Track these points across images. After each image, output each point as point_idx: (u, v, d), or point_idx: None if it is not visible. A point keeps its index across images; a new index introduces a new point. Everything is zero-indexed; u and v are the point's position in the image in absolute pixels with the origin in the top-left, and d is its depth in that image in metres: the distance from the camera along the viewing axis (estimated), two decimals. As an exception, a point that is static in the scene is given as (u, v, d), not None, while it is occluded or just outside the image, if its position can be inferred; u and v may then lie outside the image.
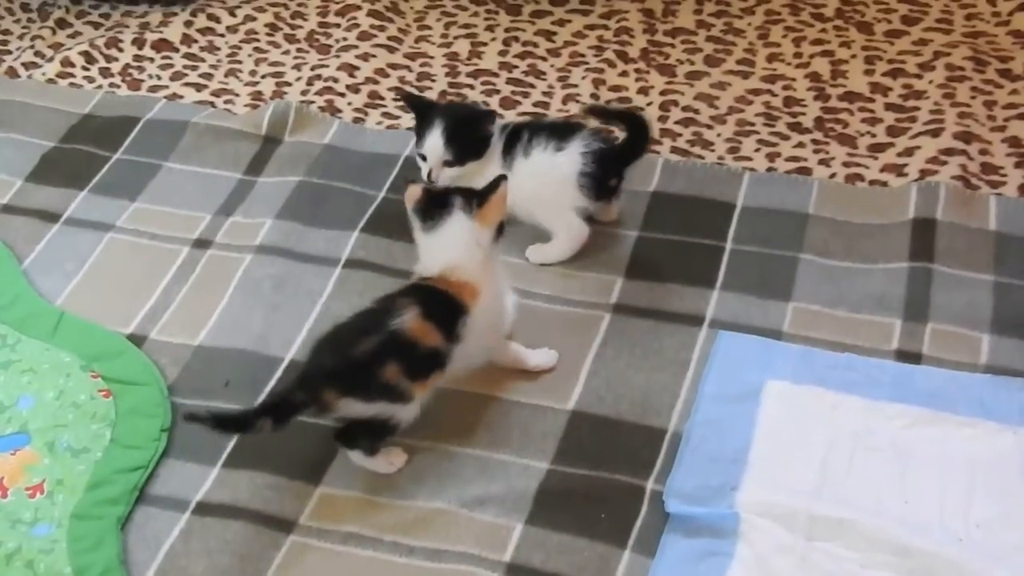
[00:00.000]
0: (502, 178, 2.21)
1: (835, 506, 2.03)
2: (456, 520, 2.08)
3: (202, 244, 2.61)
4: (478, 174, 2.44)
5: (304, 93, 3.01)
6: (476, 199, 2.19)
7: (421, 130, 2.52)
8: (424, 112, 2.54)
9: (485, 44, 3.15)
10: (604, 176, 2.47)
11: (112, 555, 2.04)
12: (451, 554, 2.03)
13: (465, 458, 2.17)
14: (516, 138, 2.50)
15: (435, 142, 2.49)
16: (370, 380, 2.07)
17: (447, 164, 2.49)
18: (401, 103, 2.94)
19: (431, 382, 2.15)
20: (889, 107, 2.85)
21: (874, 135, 2.78)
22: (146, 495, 2.16)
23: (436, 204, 2.20)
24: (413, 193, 2.22)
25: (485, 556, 2.03)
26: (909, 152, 2.70)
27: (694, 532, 2.02)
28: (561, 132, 2.48)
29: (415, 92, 2.71)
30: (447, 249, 2.18)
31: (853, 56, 3.02)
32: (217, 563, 2.04)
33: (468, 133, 2.50)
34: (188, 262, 2.57)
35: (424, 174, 2.50)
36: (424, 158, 2.51)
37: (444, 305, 2.14)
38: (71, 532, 2.08)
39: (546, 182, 2.45)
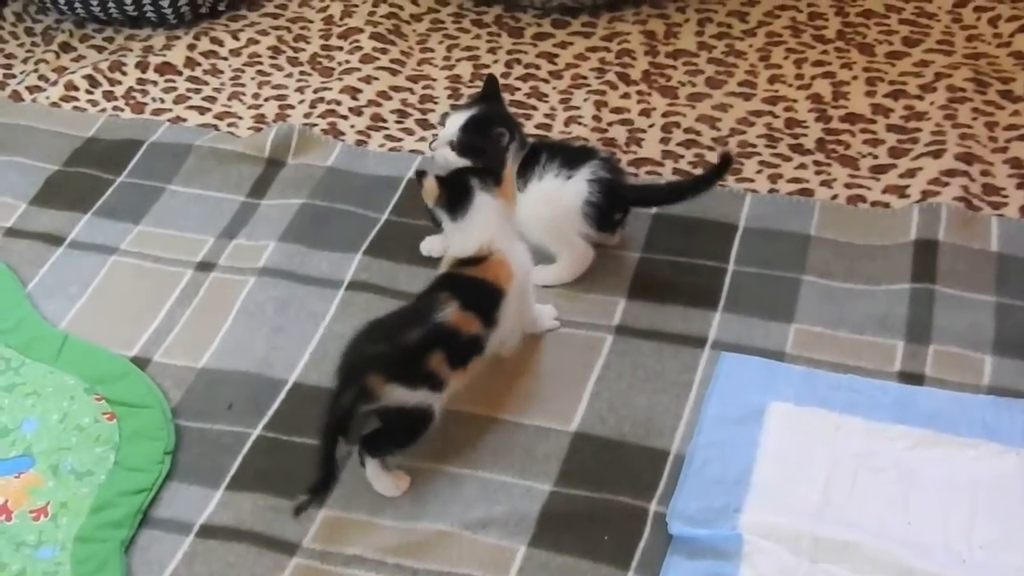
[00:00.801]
0: (503, 144, 2.40)
1: (839, 528, 2.04)
2: (459, 542, 2.08)
3: (205, 267, 2.62)
4: None
5: (307, 116, 3.01)
6: (491, 178, 2.25)
7: (464, 106, 2.60)
8: (482, 96, 2.61)
9: (487, 66, 3.15)
10: (609, 208, 2.48)
11: (116, 578, 2.05)
12: (455, 576, 2.04)
13: (468, 480, 2.17)
14: (535, 159, 2.50)
15: (456, 123, 2.53)
16: (417, 367, 2.11)
17: (450, 146, 2.52)
18: (403, 126, 2.95)
19: (470, 370, 2.19)
20: (891, 128, 2.86)
21: (876, 156, 2.78)
22: (150, 518, 2.16)
23: (457, 192, 2.24)
24: (431, 188, 2.24)
25: (489, 578, 2.03)
26: (911, 173, 2.71)
27: (697, 554, 2.02)
28: (573, 158, 2.49)
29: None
30: (481, 230, 2.23)
31: (854, 78, 3.02)
32: (221, 586, 2.05)
33: (480, 140, 2.52)
34: (191, 285, 2.58)
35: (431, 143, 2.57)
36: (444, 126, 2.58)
37: (481, 293, 2.20)
38: (75, 555, 2.08)
39: (553, 208, 2.46)
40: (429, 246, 2.56)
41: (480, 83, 3.06)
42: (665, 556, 2.03)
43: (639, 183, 2.70)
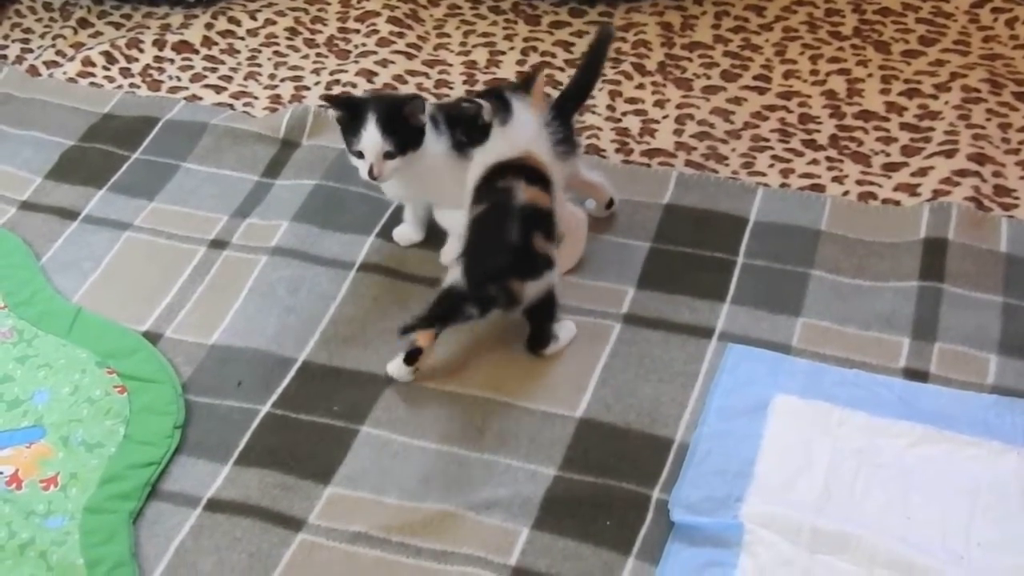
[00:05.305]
0: (539, 69, 2.57)
1: (839, 521, 2.05)
2: (464, 523, 2.10)
3: (218, 245, 2.63)
4: (422, 169, 2.45)
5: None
6: (523, 89, 2.42)
7: (353, 128, 2.40)
8: (354, 109, 2.42)
9: (503, 53, 3.17)
10: (566, 121, 2.47)
11: (124, 549, 2.07)
12: (458, 556, 2.05)
13: (474, 462, 2.19)
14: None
15: (372, 135, 2.38)
16: (535, 258, 2.27)
17: (388, 156, 2.40)
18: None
19: (556, 242, 2.35)
20: (904, 127, 2.87)
21: (888, 154, 2.79)
22: (158, 491, 2.18)
23: (502, 104, 2.35)
24: (488, 108, 2.33)
25: (491, 559, 2.05)
26: (923, 172, 2.72)
27: (698, 542, 2.04)
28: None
29: (335, 94, 2.69)
30: (521, 134, 2.35)
31: (869, 75, 3.03)
32: (226, 560, 2.07)
33: (404, 122, 2.41)
34: (204, 262, 2.60)
35: (364, 173, 2.41)
36: (361, 155, 2.41)
37: (533, 170, 2.33)
38: (84, 525, 2.10)
39: None
40: (449, 256, 2.53)
41: (497, 69, 3.08)
42: (666, 543, 2.05)
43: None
